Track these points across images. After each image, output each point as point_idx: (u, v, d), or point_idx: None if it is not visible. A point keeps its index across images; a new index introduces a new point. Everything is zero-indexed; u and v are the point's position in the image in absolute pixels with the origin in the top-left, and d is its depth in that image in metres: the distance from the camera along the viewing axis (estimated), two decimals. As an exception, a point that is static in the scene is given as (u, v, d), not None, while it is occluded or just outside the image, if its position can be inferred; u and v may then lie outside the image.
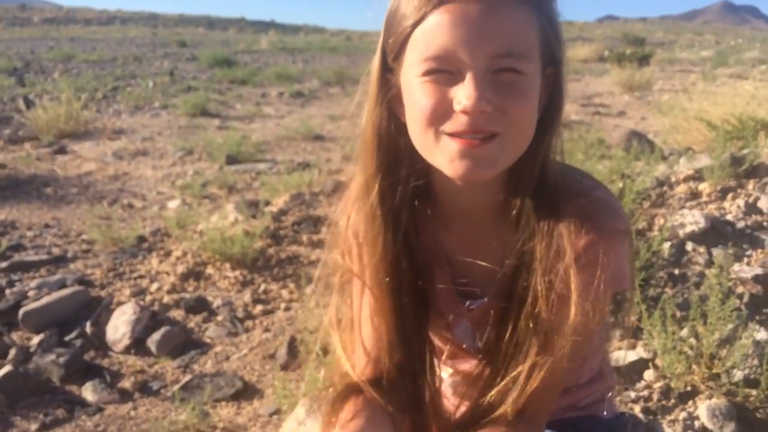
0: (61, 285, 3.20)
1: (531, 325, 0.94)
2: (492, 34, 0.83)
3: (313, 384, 2.27)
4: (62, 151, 6.80)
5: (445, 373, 1.23)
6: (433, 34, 0.84)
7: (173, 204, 4.96)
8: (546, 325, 0.92)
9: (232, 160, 6.36)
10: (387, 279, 1.00)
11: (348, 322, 1.12)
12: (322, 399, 1.14)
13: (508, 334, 0.98)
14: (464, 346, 1.13)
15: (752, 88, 9.85)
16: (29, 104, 8.78)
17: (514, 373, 0.97)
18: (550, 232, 0.93)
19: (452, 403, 1.20)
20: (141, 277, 3.39)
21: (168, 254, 3.61)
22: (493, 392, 1.00)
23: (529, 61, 0.86)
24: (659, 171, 3.64)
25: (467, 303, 1.08)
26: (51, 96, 9.86)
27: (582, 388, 1.21)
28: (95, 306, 3.07)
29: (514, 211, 0.96)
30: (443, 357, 1.17)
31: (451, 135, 0.86)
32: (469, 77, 0.83)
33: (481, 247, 1.02)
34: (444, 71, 0.85)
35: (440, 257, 1.06)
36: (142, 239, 3.85)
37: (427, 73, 0.86)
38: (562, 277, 0.91)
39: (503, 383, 0.98)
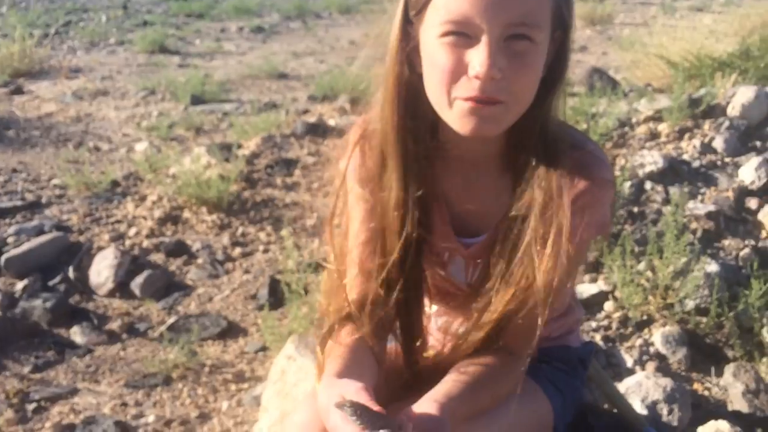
0: (40, 231, 3.23)
1: (520, 266, 1.04)
2: (509, 2, 0.90)
3: (297, 321, 2.40)
4: (19, 91, 6.61)
5: (432, 309, 1.34)
6: (455, 0, 0.91)
7: (141, 146, 4.93)
8: (536, 262, 1.02)
9: (196, 100, 6.28)
10: (399, 215, 1.08)
11: (338, 255, 1.18)
12: (310, 336, 1.21)
13: (499, 270, 1.07)
14: (456, 282, 1.21)
15: (711, 21, 10.01)
16: (-21, 42, 8.43)
17: (501, 305, 1.06)
18: (547, 180, 1.02)
19: (437, 339, 1.32)
20: (118, 222, 3.43)
21: (143, 199, 3.65)
22: (479, 323, 1.09)
23: (540, 30, 0.93)
24: (621, 110, 3.77)
25: (464, 241, 1.17)
26: (2, 32, 9.48)
27: (554, 321, 1.32)
28: (75, 251, 3.12)
29: (514, 162, 1.06)
30: (433, 294, 1.27)
31: (463, 99, 0.94)
32: (484, 43, 0.91)
33: (481, 191, 1.12)
34: (461, 34, 0.92)
35: (439, 197, 1.14)
36: (115, 183, 3.86)
37: (445, 34, 0.93)
38: (556, 220, 1.01)
39: (489, 315, 1.08)
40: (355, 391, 0.91)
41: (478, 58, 0.91)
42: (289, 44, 10.61)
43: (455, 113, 0.96)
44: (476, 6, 0.90)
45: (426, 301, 1.23)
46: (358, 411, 0.85)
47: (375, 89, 1.08)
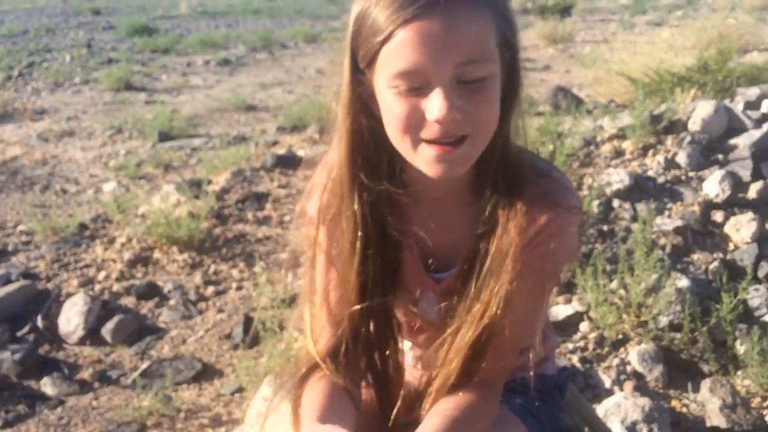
0: (6, 280, 3.16)
1: (488, 293, 1.03)
2: (455, 46, 0.90)
3: (273, 360, 2.37)
4: (-18, 136, 6.54)
5: (406, 346, 1.33)
6: (401, 51, 0.90)
7: (109, 187, 4.87)
8: (502, 294, 1.02)
9: (164, 136, 6.24)
10: (357, 259, 1.07)
11: (306, 297, 1.17)
12: (286, 376, 1.19)
13: (466, 303, 1.06)
14: (428, 318, 1.20)
15: (669, 36, 10.26)
16: (-60, 87, 8.32)
17: (470, 337, 1.05)
18: (512, 209, 1.02)
19: (413, 375, 1.31)
20: (87, 266, 3.37)
21: (112, 241, 3.60)
22: (449, 357, 1.08)
23: (491, 62, 0.93)
24: (586, 128, 3.83)
25: (435, 277, 1.16)
26: (-37, 76, 9.37)
27: (528, 351, 1.33)
28: (44, 299, 3.06)
29: (479, 191, 1.06)
30: (405, 330, 1.26)
31: (427, 141, 0.94)
32: (438, 89, 0.91)
33: (450, 225, 1.11)
34: (414, 83, 0.92)
35: (409, 236, 1.13)
36: (83, 227, 3.81)
37: (397, 86, 0.93)
38: (522, 249, 1.01)
39: (459, 348, 1.07)
40: None
41: (435, 102, 0.91)
42: (256, 75, 10.63)
43: (422, 158, 0.97)
44: (423, 54, 0.90)
45: (399, 337, 1.22)
46: None
47: (332, 135, 1.07)
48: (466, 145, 0.95)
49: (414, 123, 0.94)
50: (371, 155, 1.04)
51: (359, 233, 1.06)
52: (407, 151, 0.98)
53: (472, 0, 0.91)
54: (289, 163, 4.51)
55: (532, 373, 1.36)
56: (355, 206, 1.05)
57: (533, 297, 1.08)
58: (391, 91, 0.94)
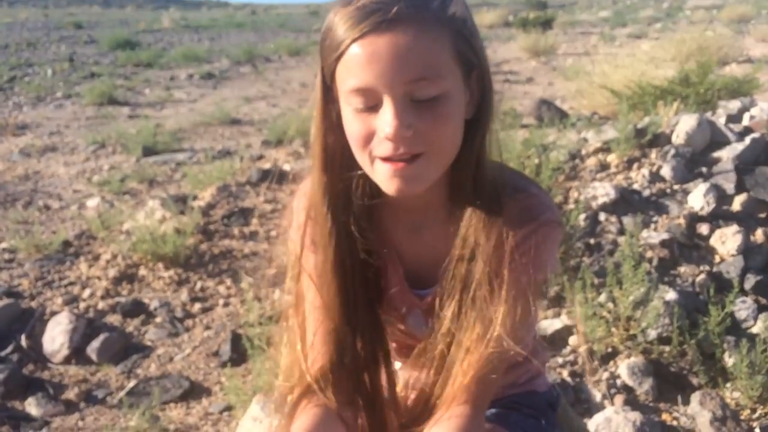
0: (-12, 299, 3.12)
1: (472, 309, 1.03)
2: (404, 63, 0.90)
3: (262, 378, 2.35)
4: (-37, 151, 6.46)
5: (397, 366, 1.32)
6: (351, 69, 0.91)
7: (92, 202, 4.83)
8: (485, 309, 1.01)
9: (148, 151, 6.21)
10: (338, 280, 1.06)
11: (289, 316, 1.16)
12: (275, 398, 1.17)
13: (449, 319, 1.05)
14: (417, 335, 1.19)
15: (649, 48, 10.40)
16: None
17: (457, 356, 1.04)
18: (491, 225, 1.02)
19: (402, 394, 1.30)
20: (71, 284, 3.33)
21: (97, 258, 3.56)
22: (437, 374, 1.07)
23: (444, 78, 0.92)
24: (570, 141, 3.86)
25: (419, 293, 1.15)
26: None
27: (519, 367, 1.32)
28: (28, 318, 3.01)
29: (456, 207, 1.06)
30: (395, 350, 1.25)
31: (381, 158, 0.95)
32: (388, 106, 0.91)
33: (431, 241, 1.11)
34: (366, 100, 0.92)
35: (392, 253, 1.13)
36: (67, 244, 3.76)
37: (351, 103, 0.94)
38: (501, 265, 1.01)
39: (446, 367, 1.06)
40: None
41: (384, 120, 0.91)
42: (240, 89, 10.62)
43: (378, 175, 0.97)
44: (372, 72, 0.90)
45: (391, 358, 1.21)
46: None
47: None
48: (420, 162, 0.94)
49: (368, 140, 0.94)
50: (343, 172, 1.03)
51: (338, 252, 1.06)
52: (366, 167, 0.98)
53: (423, 18, 0.91)
54: (274, 177, 4.50)
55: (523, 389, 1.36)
56: (330, 225, 1.05)
57: (516, 312, 1.06)
58: (348, 109, 0.95)
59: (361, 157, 0.98)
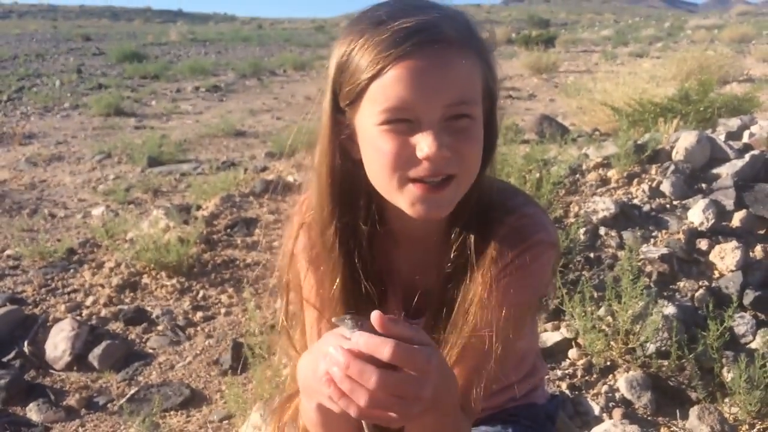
0: (-8, 305, 3.14)
1: (460, 332, 1.03)
2: (446, 85, 0.91)
3: (262, 386, 2.36)
4: (-30, 160, 6.52)
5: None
6: (392, 87, 0.90)
7: (97, 211, 4.87)
8: (475, 331, 1.01)
9: (153, 162, 6.26)
10: (341, 305, 1.06)
11: (288, 327, 1.17)
12: (272, 403, 1.18)
13: (440, 345, 1.05)
14: None
15: (650, 66, 10.48)
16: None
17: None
18: (481, 249, 1.03)
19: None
20: (75, 291, 3.36)
21: (100, 266, 3.58)
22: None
23: (477, 105, 0.95)
24: (571, 157, 3.89)
25: (412, 321, 1.14)
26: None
27: (520, 382, 1.33)
28: (31, 324, 3.03)
29: (453, 233, 1.06)
30: None
31: (413, 180, 0.94)
32: (428, 126, 0.91)
33: (424, 268, 1.11)
34: (403, 121, 0.92)
35: (393, 279, 1.13)
36: (71, 252, 3.79)
37: (386, 122, 0.92)
38: (489, 288, 1.01)
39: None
40: None
41: (425, 140, 0.91)
42: (246, 102, 10.70)
43: (407, 197, 0.96)
44: (415, 92, 0.90)
45: None
46: (359, 322, 0.80)
47: (310, 176, 1.06)
48: (452, 186, 0.95)
49: (403, 160, 0.93)
50: (349, 197, 1.03)
51: (342, 278, 1.06)
52: (391, 191, 0.97)
53: (462, 43, 0.93)
54: (278, 188, 4.52)
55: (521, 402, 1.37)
56: (336, 251, 1.05)
57: (506, 331, 1.04)
58: (379, 129, 0.93)
59: (386, 178, 0.96)
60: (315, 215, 1.07)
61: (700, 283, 2.79)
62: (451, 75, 0.92)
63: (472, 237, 1.04)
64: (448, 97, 0.92)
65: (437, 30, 0.91)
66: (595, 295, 2.71)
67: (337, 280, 1.06)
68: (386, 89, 0.91)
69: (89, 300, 3.26)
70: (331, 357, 0.79)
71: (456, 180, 0.95)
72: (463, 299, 1.04)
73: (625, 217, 3.17)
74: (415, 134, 0.92)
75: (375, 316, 0.79)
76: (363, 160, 0.99)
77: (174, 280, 3.40)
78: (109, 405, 2.62)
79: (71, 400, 2.63)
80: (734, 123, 4.09)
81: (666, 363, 2.42)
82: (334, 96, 0.98)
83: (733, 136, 3.85)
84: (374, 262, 1.09)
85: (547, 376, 1.58)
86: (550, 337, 2.65)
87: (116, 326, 3.08)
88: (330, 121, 1.00)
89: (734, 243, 2.89)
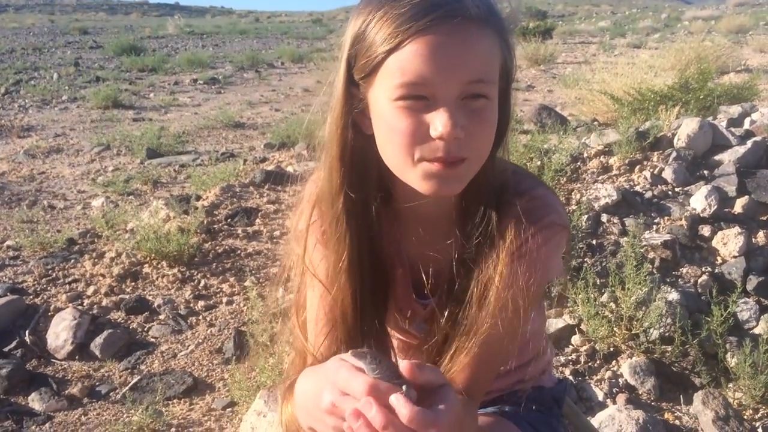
0: (-7, 295, 3.13)
1: (469, 315, 1.02)
2: (465, 62, 0.89)
3: (265, 374, 2.36)
4: (-32, 152, 6.49)
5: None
6: (410, 61, 0.88)
7: (97, 203, 4.85)
8: (483, 313, 1.01)
9: (152, 153, 6.24)
10: (350, 280, 1.05)
11: (296, 310, 1.16)
12: (278, 388, 1.17)
13: (449, 326, 1.05)
14: (417, 335, 1.19)
15: (648, 57, 10.44)
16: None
17: (454, 355, 1.04)
18: (491, 231, 1.01)
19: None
20: (76, 281, 3.34)
21: (101, 256, 3.57)
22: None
23: (494, 84, 0.93)
24: (572, 145, 3.88)
25: (422, 301, 1.14)
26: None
27: (527, 366, 1.32)
28: (32, 314, 3.02)
29: (463, 216, 1.05)
30: (399, 349, 1.26)
31: (428, 160, 0.92)
32: (443, 104, 0.89)
33: (436, 249, 1.09)
34: (419, 97, 0.90)
35: (401, 258, 1.12)
36: (71, 242, 3.78)
37: (402, 98, 0.90)
38: (499, 271, 1.00)
39: (443, 366, 1.05)
40: None
41: (440, 119, 0.89)
42: (244, 94, 10.67)
43: (418, 174, 0.94)
44: (434, 67, 0.88)
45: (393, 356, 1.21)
46: (378, 359, 0.78)
47: (320, 151, 1.03)
48: (464, 165, 0.93)
49: (416, 138, 0.91)
50: (359, 172, 1.01)
51: (350, 252, 1.04)
52: (402, 167, 0.95)
53: (483, 20, 0.90)
54: (278, 178, 4.51)
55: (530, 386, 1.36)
56: (345, 225, 1.03)
57: (514, 314, 1.03)
58: (394, 104, 0.91)
59: (400, 155, 0.93)
60: (324, 188, 1.05)
61: (703, 269, 2.79)
62: (471, 52, 0.89)
63: (484, 219, 1.02)
64: (467, 75, 0.89)
65: (459, 5, 0.88)
66: (598, 281, 2.71)
67: (345, 254, 1.04)
68: (403, 63, 0.88)
69: (90, 290, 3.25)
70: (354, 401, 0.75)
71: (468, 161, 0.93)
72: (474, 282, 1.02)
73: (627, 203, 3.16)
74: (431, 112, 0.90)
75: (405, 365, 0.77)
76: (375, 136, 0.97)
77: (175, 270, 3.39)
78: (111, 394, 2.61)
79: (73, 389, 2.62)
80: (735, 110, 4.08)
81: (669, 349, 2.42)
82: (348, 68, 0.96)
83: (735, 123, 3.84)
84: (383, 239, 1.07)
85: (553, 361, 1.57)
86: (553, 323, 2.65)
87: (118, 315, 3.07)
88: (343, 94, 0.97)
89: (737, 229, 2.89)
